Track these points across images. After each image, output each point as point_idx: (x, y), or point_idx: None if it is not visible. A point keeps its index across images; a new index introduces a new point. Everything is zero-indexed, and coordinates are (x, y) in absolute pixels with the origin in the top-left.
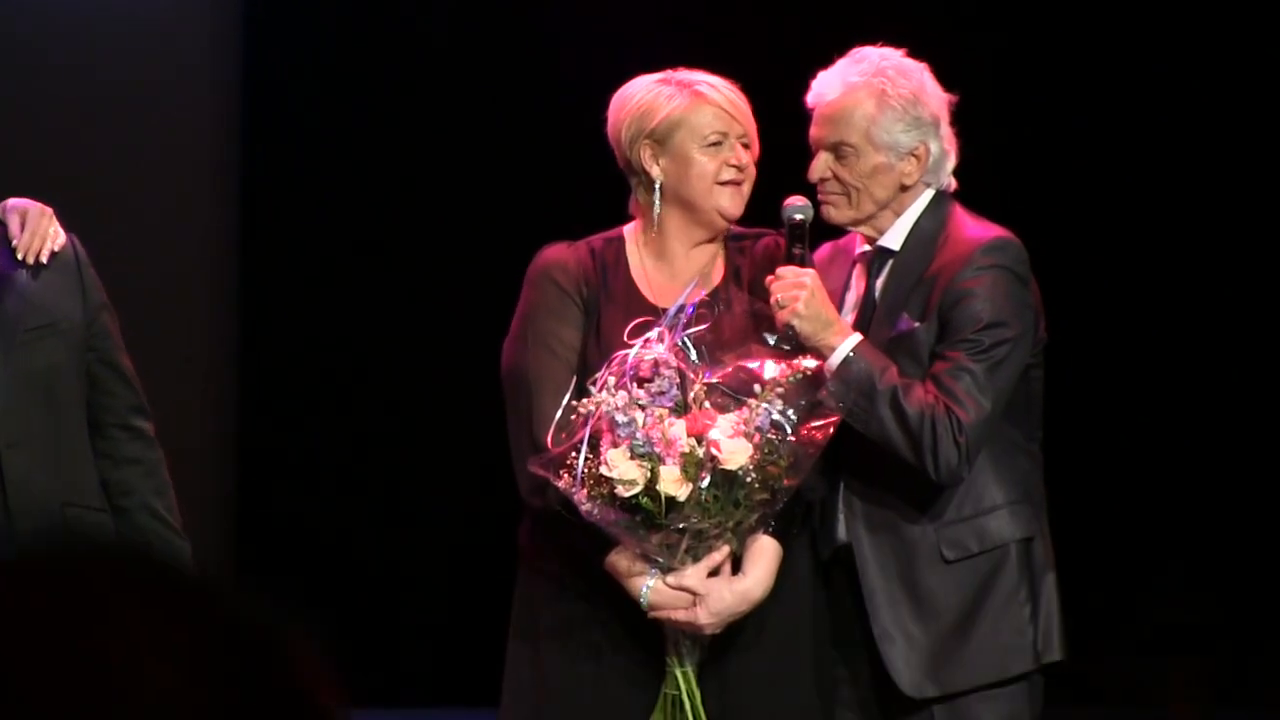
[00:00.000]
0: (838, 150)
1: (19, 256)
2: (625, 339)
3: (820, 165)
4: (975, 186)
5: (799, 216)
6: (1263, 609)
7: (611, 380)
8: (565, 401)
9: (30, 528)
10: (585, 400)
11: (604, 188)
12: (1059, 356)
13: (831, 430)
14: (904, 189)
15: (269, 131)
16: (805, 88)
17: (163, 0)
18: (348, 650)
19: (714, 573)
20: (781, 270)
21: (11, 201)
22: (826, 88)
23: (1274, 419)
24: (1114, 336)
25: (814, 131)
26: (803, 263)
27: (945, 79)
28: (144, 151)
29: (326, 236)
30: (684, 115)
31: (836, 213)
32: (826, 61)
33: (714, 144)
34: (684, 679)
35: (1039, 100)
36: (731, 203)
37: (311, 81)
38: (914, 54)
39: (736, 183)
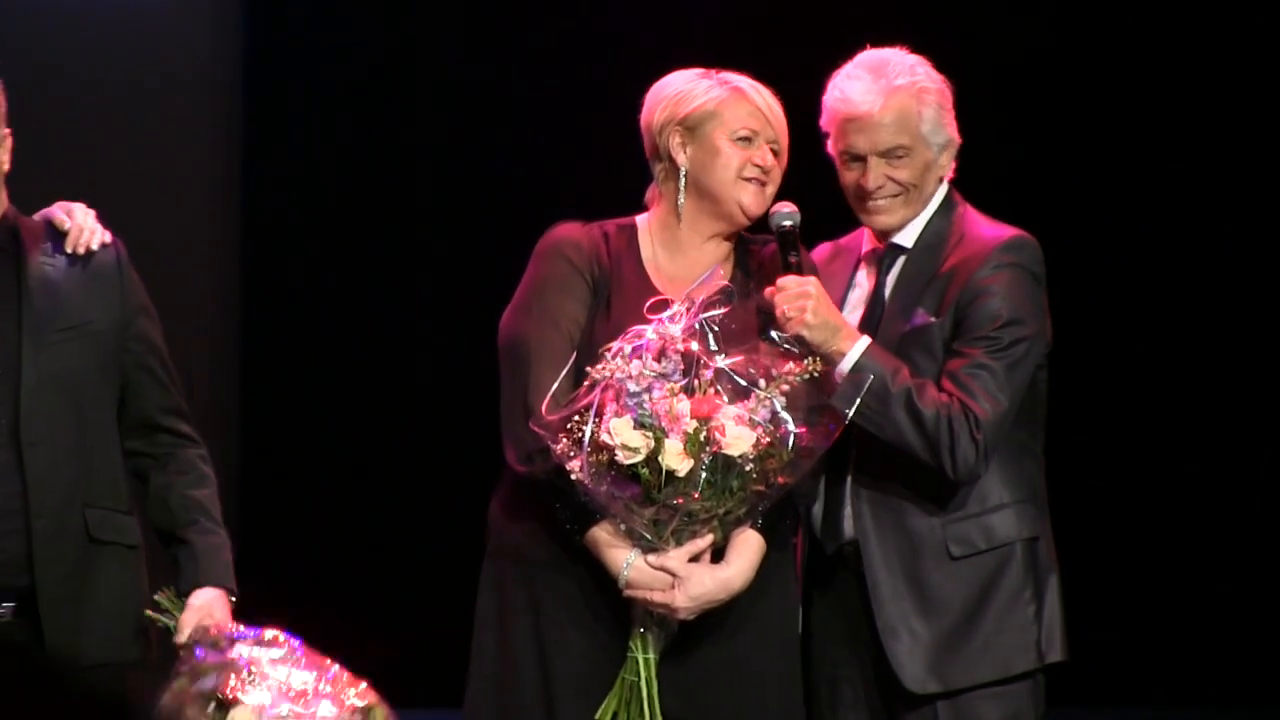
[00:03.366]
0: (893, 153)
1: (69, 249)
2: (645, 314)
3: (877, 172)
4: (976, 188)
5: (788, 223)
6: (1263, 608)
7: (627, 349)
8: (563, 374)
9: (49, 526)
10: (599, 366)
11: (607, 184)
12: (1055, 359)
13: (834, 437)
14: (939, 181)
15: (270, 130)
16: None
17: (163, 1)
18: (349, 649)
19: (694, 559)
20: (782, 281)
21: (56, 204)
22: (868, 97)
23: (1273, 420)
24: (1111, 339)
25: (859, 140)
26: (800, 270)
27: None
28: (144, 153)
29: (327, 236)
30: (718, 108)
31: (889, 217)
32: (825, 59)
33: (743, 139)
34: (644, 666)
35: (1039, 102)
36: (753, 200)
37: (312, 79)
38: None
39: (760, 181)
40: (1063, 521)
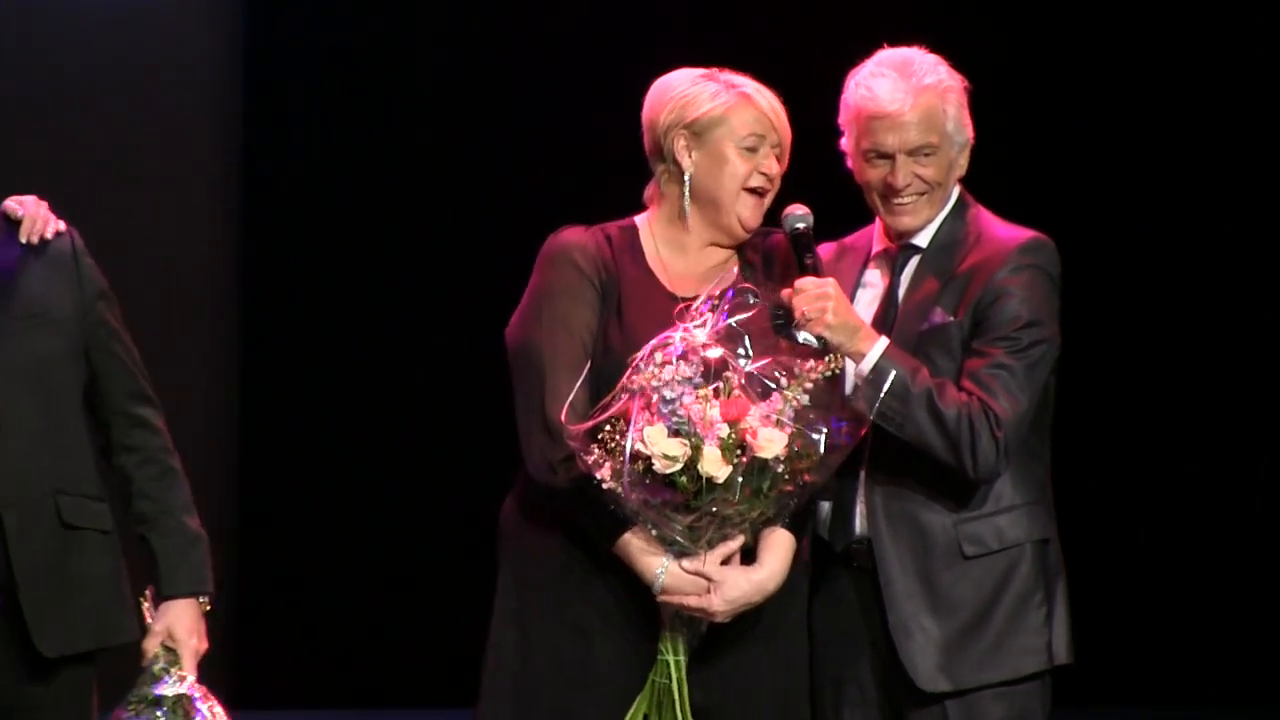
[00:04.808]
0: (921, 151)
1: (23, 239)
2: (673, 318)
3: (906, 170)
4: (978, 189)
5: (802, 225)
6: (1265, 609)
7: (659, 356)
8: (580, 381)
9: (20, 516)
10: (634, 375)
11: (608, 181)
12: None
13: (859, 433)
14: (957, 181)
15: (270, 127)
16: (805, 88)
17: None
18: (349, 650)
19: (725, 561)
20: (801, 283)
21: (9, 198)
22: (896, 95)
23: (1275, 420)
24: (1111, 340)
25: (887, 138)
26: (817, 271)
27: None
28: (145, 149)
29: (327, 237)
30: (726, 114)
31: (914, 218)
32: (833, 61)
33: (750, 147)
34: (675, 668)
35: (1038, 103)
36: (752, 214)
37: (312, 76)
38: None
39: (762, 192)
40: (1065, 523)
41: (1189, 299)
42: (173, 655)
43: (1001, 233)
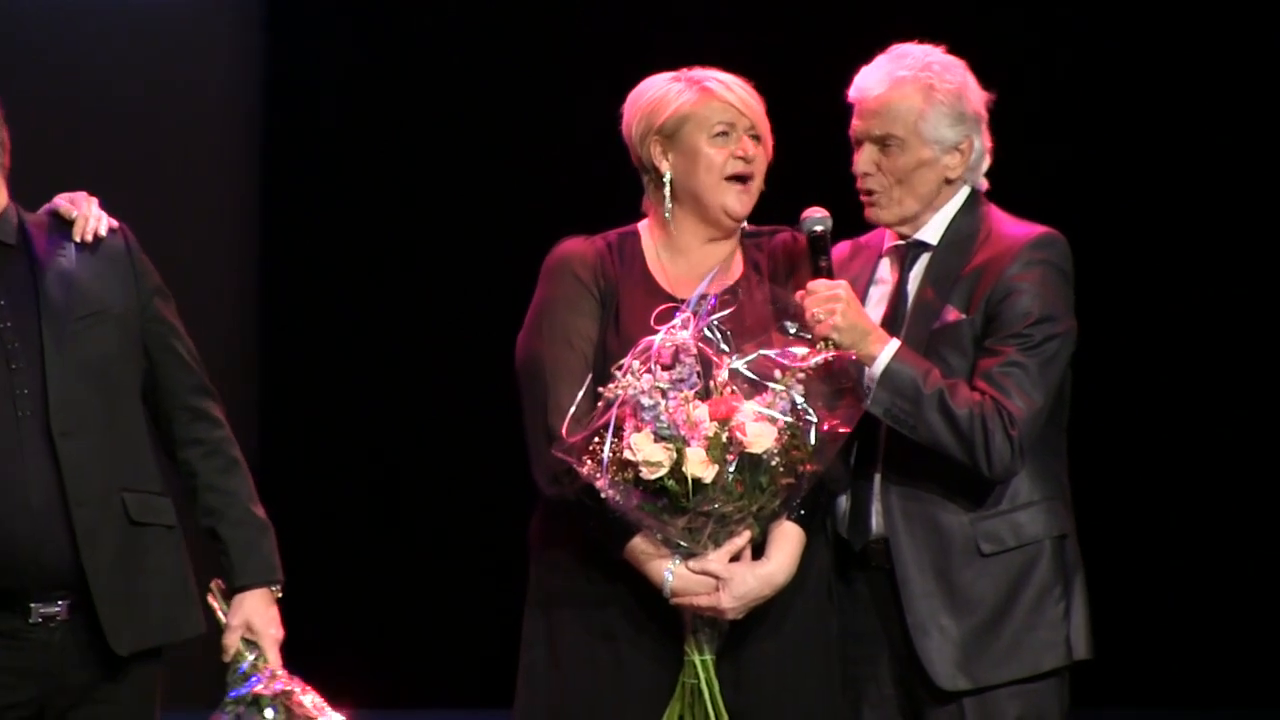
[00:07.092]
0: (884, 142)
1: (76, 237)
2: (652, 324)
3: (866, 158)
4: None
5: (819, 228)
6: (1266, 610)
7: (636, 364)
8: (582, 392)
9: (90, 514)
10: (611, 385)
11: (618, 188)
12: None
13: (856, 419)
14: (947, 183)
15: (289, 135)
16: (826, 88)
17: (184, 5)
18: (355, 651)
19: (735, 558)
20: (812, 285)
21: (58, 196)
22: (871, 82)
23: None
24: (1123, 337)
25: (858, 125)
26: (830, 274)
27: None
28: (165, 156)
29: (345, 241)
30: (692, 110)
31: (881, 211)
32: (851, 61)
33: (721, 134)
34: (703, 668)
35: (1052, 101)
36: (738, 202)
37: (331, 84)
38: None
39: (744, 178)
40: (1083, 521)
41: (1210, 295)
42: (254, 648)
43: (1012, 229)
